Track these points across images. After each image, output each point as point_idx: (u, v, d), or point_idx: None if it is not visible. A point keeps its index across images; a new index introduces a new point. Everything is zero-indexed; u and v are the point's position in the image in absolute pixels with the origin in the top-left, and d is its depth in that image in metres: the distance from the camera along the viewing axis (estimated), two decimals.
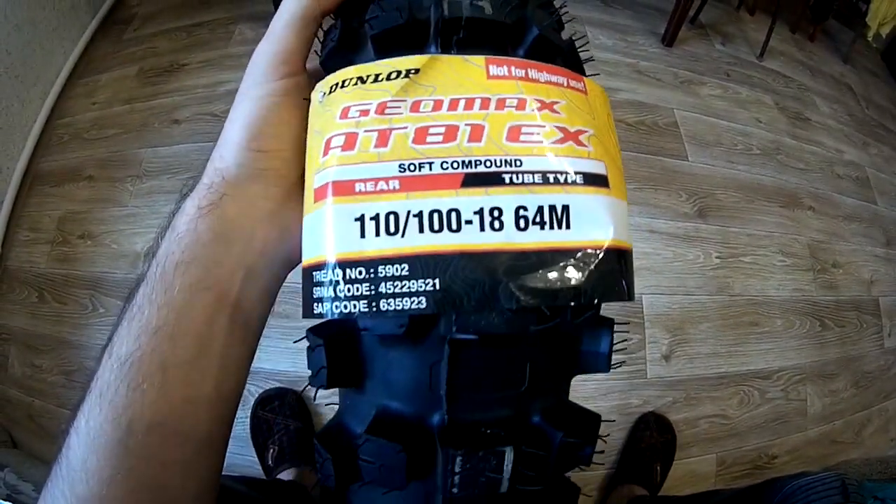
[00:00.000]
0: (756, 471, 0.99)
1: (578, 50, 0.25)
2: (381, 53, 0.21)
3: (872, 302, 1.20)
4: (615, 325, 0.22)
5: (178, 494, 0.22)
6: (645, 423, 0.93)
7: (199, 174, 0.24)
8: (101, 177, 1.16)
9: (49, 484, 0.21)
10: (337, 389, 0.23)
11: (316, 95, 0.22)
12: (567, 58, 0.24)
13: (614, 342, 0.22)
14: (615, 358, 0.22)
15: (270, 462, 0.85)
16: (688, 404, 0.98)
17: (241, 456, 0.89)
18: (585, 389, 0.95)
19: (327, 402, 0.25)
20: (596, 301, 0.19)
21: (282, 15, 0.24)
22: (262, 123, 0.23)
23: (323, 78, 0.22)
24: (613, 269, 0.19)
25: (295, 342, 0.24)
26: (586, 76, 0.24)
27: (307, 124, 0.22)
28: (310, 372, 0.21)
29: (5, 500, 0.76)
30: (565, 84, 0.21)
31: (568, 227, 0.19)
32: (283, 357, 0.90)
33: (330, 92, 0.21)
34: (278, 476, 0.82)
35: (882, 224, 1.32)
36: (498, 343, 0.20)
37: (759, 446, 1.00)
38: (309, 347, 0.21)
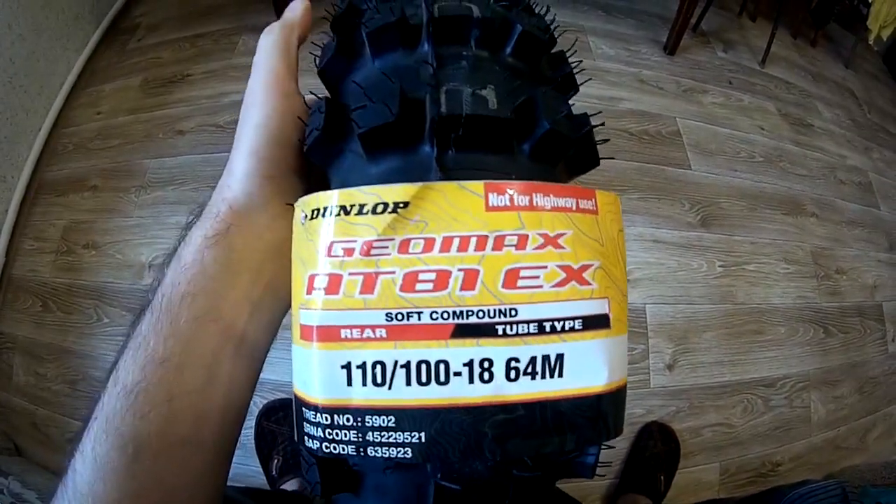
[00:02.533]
0: (760, 479, 0.99)
1: (593, 129, 0.23)
2: (370, 152, 0.20)
3: (876, 307, 1.20)
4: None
5: None
6: (649, 433, 0.93)
7: (205, 203, 0.24)
8: (106, 187, 1.17)
9: None
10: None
11: (297, 216, 0.21)
12: (581, 149, 0.22)
13: (599, 455, 0.22)
14: (600, 469, 0.22)
15: (275, 472, 0.85)
16: (691, 413, 0.98)
17: (246, 466, 0.89)
18: None
19: None
20: (580, 444, 0.19)
21: (261, 49, 0.25)
22: (267, 149, 0.23)
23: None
24: (603, 413, 0.19)
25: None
26: (592, 127, 0.22)
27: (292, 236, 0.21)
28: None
29: None
30: (574, 207, 0.19)
31: (560, 375, 0.18)
32: (288, 368, 0.89)
33: (312, 217, 0.20)
34: (282, 487, 0.83)
35: (885, 229, 1.32)
36: (480, 487, 0.20)
37: (762, 454, 1.00)
38: (305, 466, 0.22)
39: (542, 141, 0.21)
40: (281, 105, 0.24)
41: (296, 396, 0.20)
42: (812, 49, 1.67)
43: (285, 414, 0.88)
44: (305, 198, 0.20)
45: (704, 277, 1.08)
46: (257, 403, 0.90)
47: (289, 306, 0.24)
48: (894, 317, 1.20)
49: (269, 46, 0.24)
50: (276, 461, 0.85)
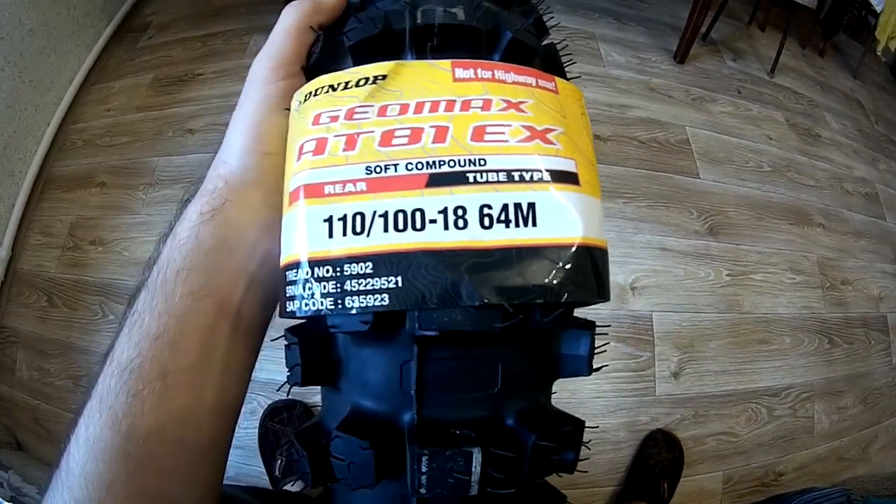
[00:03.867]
0: (763, 488, 0.99)
1: (560, 53, 0.25)
2: (359, 62, 0.22)
3: (881, 319, 1.20)
4: (597, 328, 0.22)
5: (177, 502, 0.22)
6: (653, 441, 0.93)
7: (201, 179, 0.24)
8: (114, 184, 1.17)
9: (50, 490, 0.21)
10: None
11: (293, 104, 0.23)
12: (545, 61, 0.24)
13: (595, 345, 0.22)
14: (597, 361, 0.22)
15: (278, 473, 0.85)
16: (696, 422, 0.98)
17: (249, 466, 0.89)
18: (594, 406, 0.95)
19: None
20: (564, 299, 0.19)
21: (279, 24, 0.25)
22: (266, 125, 0.23)
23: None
24: (583, 267, 0.19)
25: (272, 340, 0.24)
26: (568, 79, 0.24)
27: None
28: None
29: (9, 501, 0.76)
30: (534, 84, 0.21)
31: (535, 224, 0.19)
32: None
33: (304, 100, 0.22)
34: (285, 487, 0.82)
35: (891, 240, 1.32)
36: (463, 341, 0.19)
37: (766, 463, 1.00)
38: (286, 346, 0.21)
39: (508, 50, 0.23)
40: (284, 84, 0.24)
41: (282, 270, 0.20)
42: (820, 59, 1.68)
43: (289, 415, 0.87)
44: (301, 88, 0.23)
45: (711, 286, 1.08)
46: (262, 404, 0.90)
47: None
48: None
49: (288, 25, 0.25)
50: (279, 462, 0.85)
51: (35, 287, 1.10)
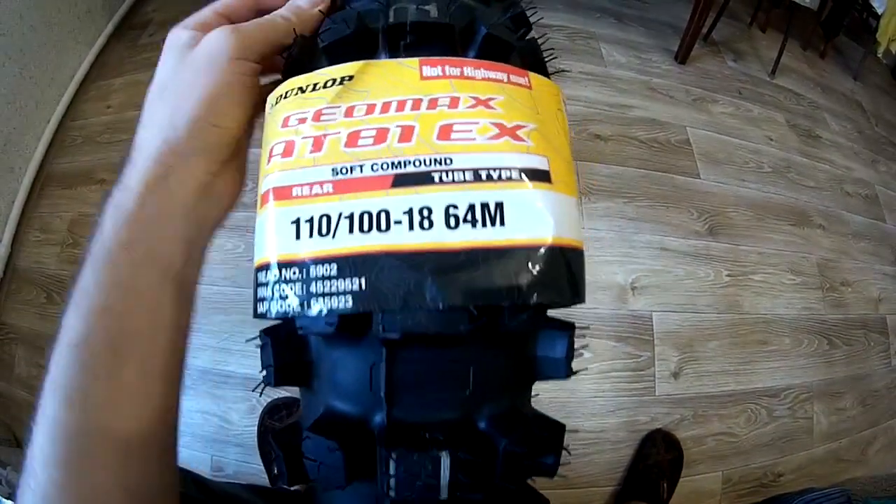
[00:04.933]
0: (762, 489, 0.99)
1: (543, 49, 0.25)
2: (334, 63, 0.22)
3: (880, 320, 1.20)
4: (576, 330, 0.22)
5: (137, 472, 0.22)
6: (652, 441, 0.93)
7: (140, 143, 0.24)
8: (114, 181, 1.15)
9: (20, 480, 0.21)
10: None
11: (267, 107, 0.23)
12: (524, 56, 0.24)
13: (574, 347, 0.21)
14: (576, 365, 0.21)
15: (276, 471, 0.85)
16: (696, 422, 0.98)
17: (248, 464, 0.89)
18: (593, 406, 0.95)
19: None
20: (533, 301, 0.18)
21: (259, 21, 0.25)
22: (221, 100, 0.23)
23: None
24: (555, 268, 0.19)
25: (246, 341, 0.25)
26: (550, 75, 0.24)
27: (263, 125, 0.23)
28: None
29: (7, 498, 0.76)
30: (505, 80, 0.21)
31: (502, 224, 0.18)
32: None
33: (276, 103, 0.22)
34: (284, 485, 0.82)
35: (890, 242, 1.32)
36: (431, 343, 0.19)
37: (765, 464, 1.00)
38: (260, 346, 0.22)
39: (483, 45, 0.22)
40: (242, 66, 0.24)
41: (255, 271, 0.20)
42: (821, 61, 1.68)
43: (289, 412, 0.87)
44: (274, 90, 0.23)
45: (711, 286, 1.08)
46: (261, 402, 0.90)
47: (212, 238, 0.26)
48: None
49: (264, 22, 0.25)
50: None
51: (34, 284, 1.10)
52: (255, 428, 0.89)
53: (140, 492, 0.22)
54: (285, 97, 0.21)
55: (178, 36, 0.25)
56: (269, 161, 0.21)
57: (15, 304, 1.10)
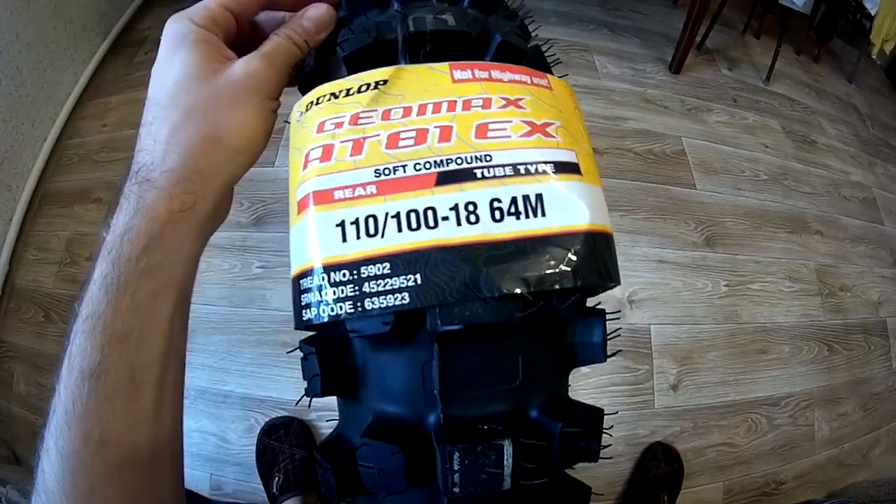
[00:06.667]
0: (763, 498, 0.98)
1: (545, 53, 0.26)
2: (353, 72, 0.22)
3: (880, 323, 1.20)
4: (607, 315, 0.23)
5: (158, 495, 0.22)
6: (652, 454, 0.92)
7: (153, 162, 0.23)
8: (111, 200, 1.16)
9: None
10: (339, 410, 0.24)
11: (294, 115, 0.23)
12: (532, 60, 0.25)
13: (607, 331, 0.22)
14: (610, 346, 0.22)
15: (275, 490, 0.84)
16: (695, 434, 0.98)
17: (247, 483, 0.89)
18: None
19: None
20: (579, 284, 0.19)
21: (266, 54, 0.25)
22: (259, 137, 0.24)
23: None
24: (594, 252, 0.20)
25: (289, 352, 0.24)
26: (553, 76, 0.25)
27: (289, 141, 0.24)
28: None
29: None
30: (529, 82, 0.22)
31: (543, 214, 0.19)
32: (289, 386, 0.90)
33: (306, 110, 0.22)
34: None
35: (889, 244, 1.32)
36: (486, 334, 0.20)
37: (766, 473, 0.99)
38: (302, 358, 0.21)
39: (499, 52, 0.24)
40: (270, 105, 0.25)
41: (294, 280, 0.20)
42: (815, 65, 1.68)
43: (286, 432, 0.87)
44: (300, 100, 0.23)
45: (709, 297, 1.08)
46: (259, 421, 0.90)
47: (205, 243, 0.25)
48: None
49: (270, 57, 0.24)
50: (277, 479, 0.85)
51: (32, 302, 1.10)
52: (254, 447, 0.88)
53: None
54: (317, 103, 0.22)
55: (186, 28, 0.24)
56: (305, 166, 0.21)
57: (14, 322, 1.10)
